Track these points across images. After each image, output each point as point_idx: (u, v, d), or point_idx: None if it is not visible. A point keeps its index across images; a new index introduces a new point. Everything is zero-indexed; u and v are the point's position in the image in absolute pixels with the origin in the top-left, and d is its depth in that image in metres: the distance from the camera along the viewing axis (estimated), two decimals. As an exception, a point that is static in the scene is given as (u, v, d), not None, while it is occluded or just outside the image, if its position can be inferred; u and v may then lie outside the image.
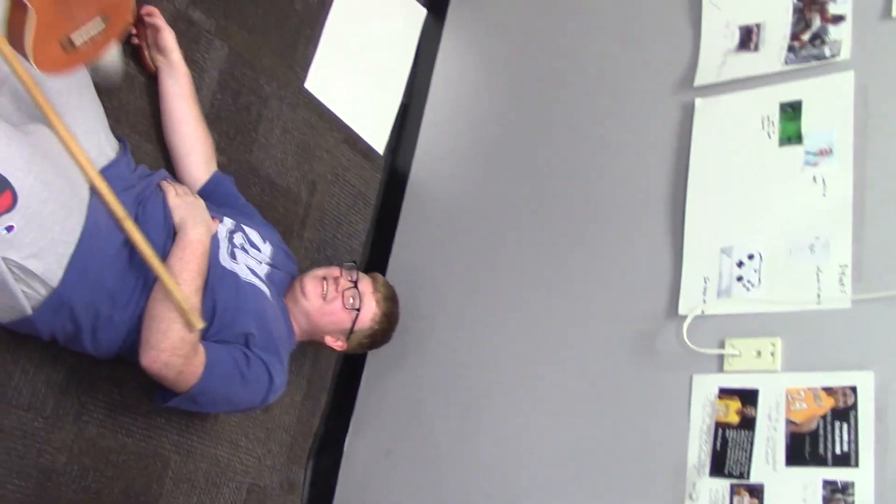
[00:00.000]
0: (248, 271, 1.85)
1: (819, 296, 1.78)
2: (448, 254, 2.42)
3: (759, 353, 1.81)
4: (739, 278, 1.89)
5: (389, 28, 2.66)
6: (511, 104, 2.52)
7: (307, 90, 2.36)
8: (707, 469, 1.78)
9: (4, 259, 1.44)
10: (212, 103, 2.09)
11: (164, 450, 1.96)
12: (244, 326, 1.77)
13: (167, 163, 1.98)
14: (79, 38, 1.51)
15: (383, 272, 2.49)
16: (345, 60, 2.49)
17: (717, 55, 2.14)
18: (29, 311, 1.55)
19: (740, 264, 1.90)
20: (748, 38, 2.11)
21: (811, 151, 1.91)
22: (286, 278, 1.99)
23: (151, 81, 1.95)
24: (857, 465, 1.63)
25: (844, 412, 1.68)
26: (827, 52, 1.97)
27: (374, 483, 2.25)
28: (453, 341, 2.27)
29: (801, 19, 2.05)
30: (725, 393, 1.81)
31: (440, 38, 2.77)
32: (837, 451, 1.66)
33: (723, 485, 1.75)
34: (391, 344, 2.16)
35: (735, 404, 1.79)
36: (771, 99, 2.01)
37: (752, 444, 1.75)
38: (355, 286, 1.99)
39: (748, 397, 1.78)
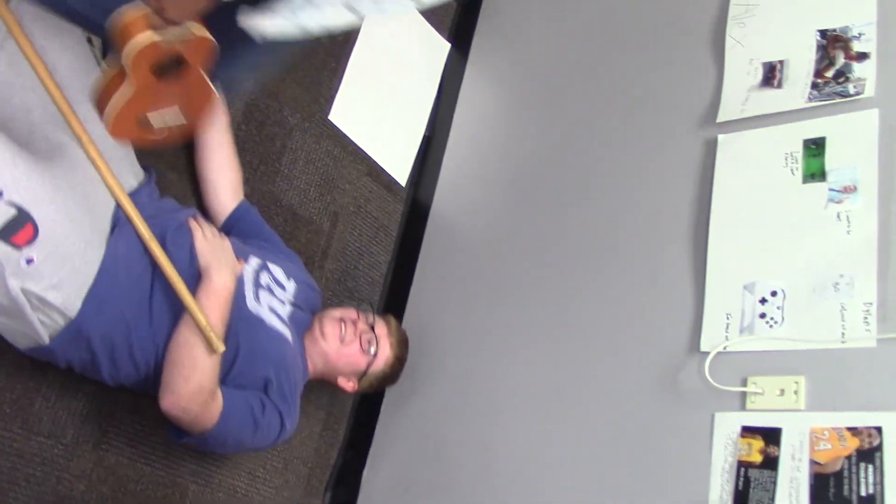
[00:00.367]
0: (272, 313, 1.85)
1: (843, 334, 1.76)
2: (469, 286, 2.41)
3: (782, 392, 1.79)
4: (762, 315, 1.87)
5: (413, 61, 2.68)
6: (534, 138, 2.52)
7: (331, 122, 2.39)
8: (729, 509, 1.76)
9: (24, 290, 1.45)
10: (236, 134, 2.11)
11: (182, 479, 1.96)
12: (264, 372, 1.78)
13: (191, 193, 2.00)
14: (154, 119, 1.54)
15: (404, 304, 2.49)
16: (368, 93, 2.51)
17: (740, 91, 2.14)
18: (46, 339, 1.55)
19: (763, 301, 1.88)
20: (771, 75, 2.11)
21: (835, 188, 1.90)
22: (307, 318, 2.00)
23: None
24: (882, 507, 1.61)
25: (870, 453, 1.65)
26: (851, 89, 1.97)
27: (392, 516, 2.23)
28: (472, 374, 2.26)
29: (824, 56, 2.05)
30: (748, 431, 1.79)
31: (463, 72, 2.79)
32: (863, 492, 1.63)
33: (745, 525, 1.73)
34: (410, 377, 2.16)
35: (758, 443, 1.77)
36: (794, 135, 2.00)
37: (775, 484, 1.72)
38: (372, 330, 2.02)
39: (771, 436, 1.76)
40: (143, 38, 1.37)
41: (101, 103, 1.49)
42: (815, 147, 1.97)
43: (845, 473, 1.66)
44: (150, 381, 1.69)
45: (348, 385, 2.03)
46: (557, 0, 2.73)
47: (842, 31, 2.04)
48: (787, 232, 1.93)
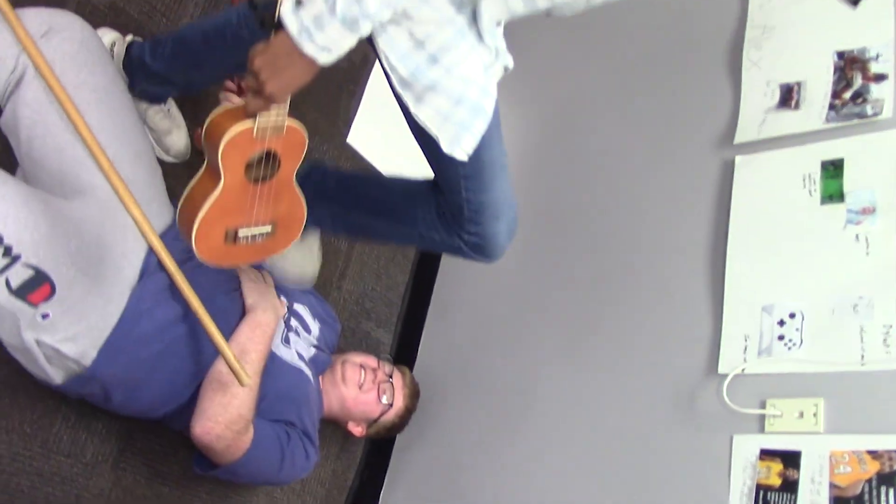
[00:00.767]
0: (298, 357, 1.88)
1: (863, 356, 1.75)
2: (487, 306, 2.42)
3: (801, 414, 1.77)
4: (781, 337, 1.86)
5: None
6: (551, 160, 2.53)
7: (349, 145, 2.40)
8: (748, 533, 1.74)
9: (38, 341, 1.45)
10: (256, 157, 2.13)
11: (199, 499, 1.96)
12: (289, 415, 1.81)
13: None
14: (244, 234, 1.49)
15: (421, 325, 2.49)
16: (387, 116, 2.52)
17: (757, 113, 2.14)
18: (58, 381, 1.55)
19: (781, 323, 1.87)
20: (789, 97, 2.10)
21: (853, 210, 1.89)
22: (327, 359, 2.02)
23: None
24: (904, 532, 1.59)
25: (890, 477, 1.63)
26: (869, 110, 1.96)
27: (409, 539, 2.23)
28: (489, 396, 2.26)
29: (842, 78, 2.04)
30: (767, 454, 1.78)
31: (481, 95, 2.80)
32: (883, 517, 1.61)
33: (764, 549, 1.71)
34: (427, 400, 2.18)
35: (777, 466, 1.75)
36: (812, 157, 2.00)
37: (794, 507, 1.71)
38: (390, 380, 2.04)
39: (790, 459, 1.74)
40: (238, 125, 1.34)
41: (188, 210, 1.42)
42: (833, 168, 1.96)
43: (866, 497, 1.64)
44: (168, 418, 1.71)
45: (357, 430, 2.06)
46: (577, 25, 2.72)
47: (859, 53, 2.04)
48: (805, 254, 1.92)
